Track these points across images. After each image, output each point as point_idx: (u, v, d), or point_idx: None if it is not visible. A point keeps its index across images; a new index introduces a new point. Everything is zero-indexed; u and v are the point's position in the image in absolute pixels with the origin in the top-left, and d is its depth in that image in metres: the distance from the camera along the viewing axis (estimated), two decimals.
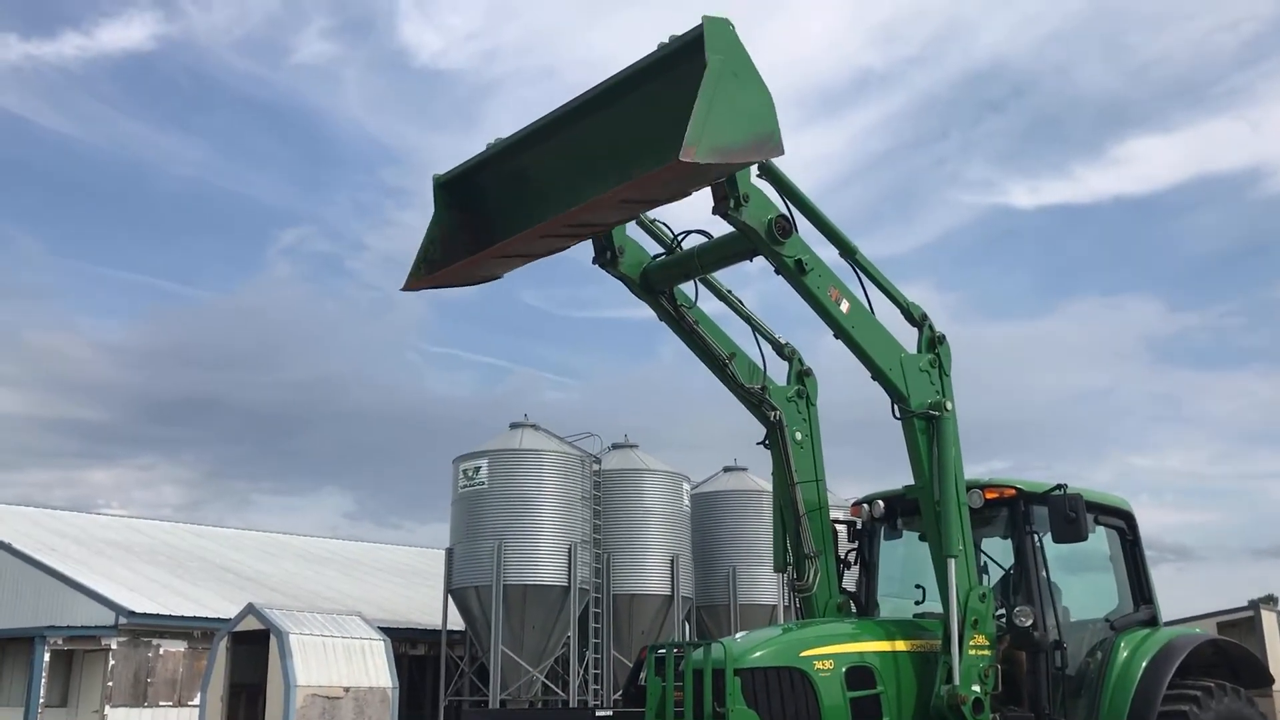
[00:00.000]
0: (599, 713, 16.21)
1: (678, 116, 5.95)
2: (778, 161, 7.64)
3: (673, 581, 24.68)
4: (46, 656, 22.47)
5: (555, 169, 7.39)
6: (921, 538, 8.68)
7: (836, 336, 7.89)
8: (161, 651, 22.25)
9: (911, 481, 8.36)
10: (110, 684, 21.50)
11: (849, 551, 9.52)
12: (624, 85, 6.73)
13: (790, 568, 8.91)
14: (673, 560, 24.78)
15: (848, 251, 8.09)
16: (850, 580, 9.43)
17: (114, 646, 21.60)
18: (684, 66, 6.24)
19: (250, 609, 19.80)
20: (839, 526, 9.37)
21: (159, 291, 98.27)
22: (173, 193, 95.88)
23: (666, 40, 6.45)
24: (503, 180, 7.71)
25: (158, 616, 22.24)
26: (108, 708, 21.40)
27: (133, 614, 21.71)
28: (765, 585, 25.08)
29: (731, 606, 25.52)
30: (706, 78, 5.97)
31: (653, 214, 8.40)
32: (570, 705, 22.71)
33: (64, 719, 23.01)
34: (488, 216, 7.78)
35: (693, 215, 8.24)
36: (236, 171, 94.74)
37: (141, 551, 28.74)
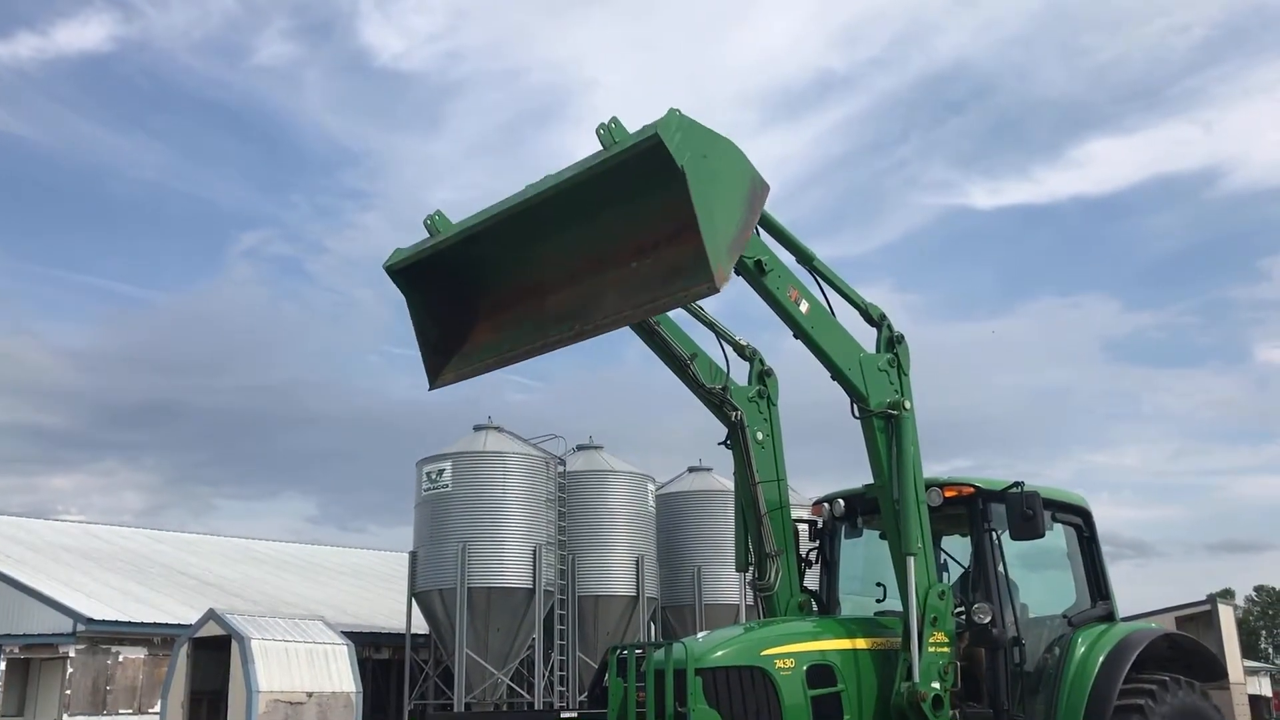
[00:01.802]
0: (564, 715, 16.16)
1: (664, 200, 6.13)
2: None
3: (638, 582, 24.70)
4: (3, 665, 22.18)
5: (528, 262, 7.35)
6: (882, 536, 8.72)
7: (796, 337, 7.91)
8: (121, 659, 21.99)
9: (872, 480, 8.41)
10: (68, 692, 21.22)
11: (810, 550, 9.56)
12: (591, 179, 6.55)
13: (752, 567, 8.95)
14: (638, 561, 24.81)
15: (805, 259, 8.12)
16: (812, 579, 9.47)
17: (72, 654, 21.32)
18: (647, 152, 6.17)
19: (211, 614, 19.62)
20: (800, 525, 9.41)
21: (118, 295, 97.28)
22: (131, 195, 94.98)
23: (608, 124, 6.32)
24: (461, 259, 7.58)
25: (117, 623, 21.98)
26: (66, 716, 21.12)
27: (91, 621, 21.44)
28: (731, 585, 25.16)
29: (697, 606, 25.59)
30: (692, 189, 6.00)
31: None
32: (536, 708, 22.67)
33: None
34: (460, 288, 7.67)
35: None
36: (196, 174, 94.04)
37: (100, 558, 28.40)
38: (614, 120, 6.33)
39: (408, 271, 7.58)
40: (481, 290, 7.73)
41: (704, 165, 6.16)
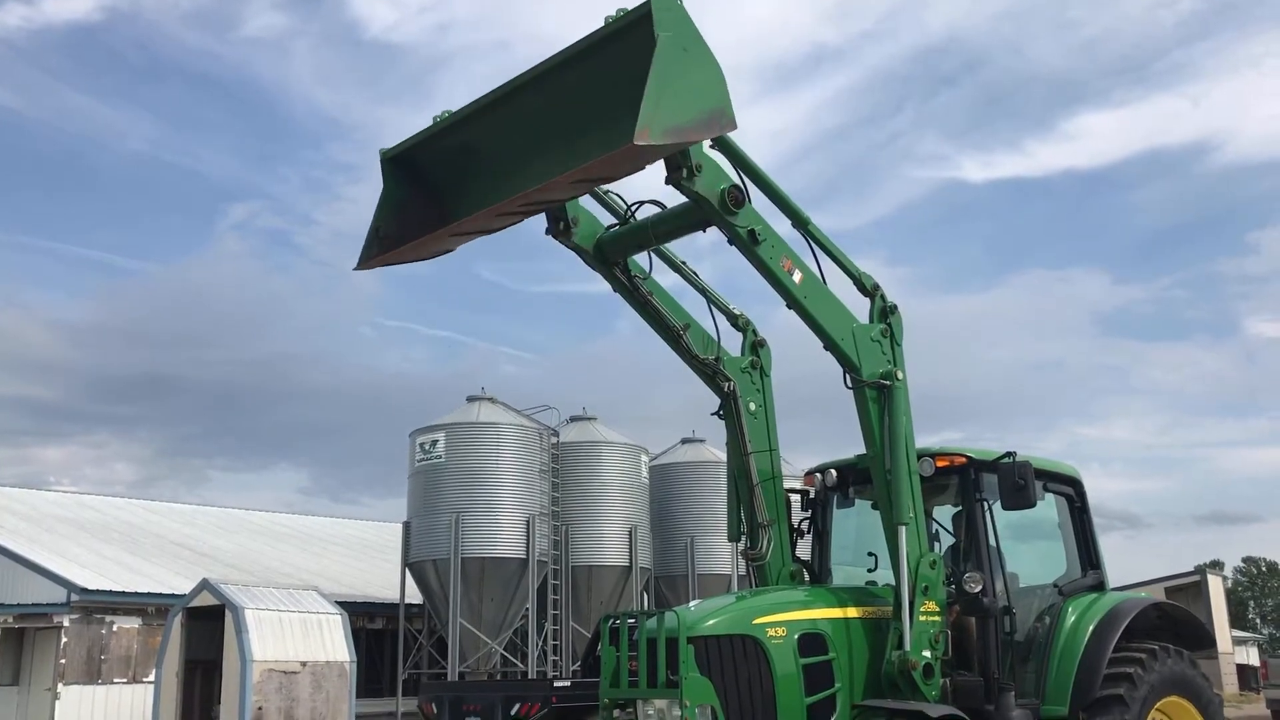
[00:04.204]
0: (557, 684, 16.24)
1: (628, 95, 5.90)
2: (731, 133, 7.64)
3: (631, 552, 24.79)
4: None
5: (505, 144, 7.33)
6: (874, 506, 8.75)
7: (789, 307, 7.91)
8: (115, 628, 22.03)
9: (864, 451, 8.42)
10: (63, 661, 21.27)
11: (802, 520, 9.59)
12: (573, 61, 6.65)
13: (744, 537, 8.97)
14: (631, 531, 24.89)
15: (800, 222, 8.10)
16: (804, 549, 9.51)
17: (66, 624, 21.35)
18: (632, 42, 6.18)
19: (205, 584, 19.63)
20: (792, 495, 9.43)
21: (109, 267, 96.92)
22: (121, 167, 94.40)
23: (614, 14, 6.39)
24: (451, 154, 7.64)
25: (111, 593, 22.01)
26: (60, 685, 21.18)
27: (85, 591, 21.46)
28: (723, 555, 25.27)
29: (690, 576, 25.70)
30: (656, 56, 5.91)
31: (606, 185, 8.39)
32: (529, 677, 22.79)
33: (16, 697, 22.77)
34: (437, 190, 7.70)
35: (646, 185, 8.22)
36: (186, 145, 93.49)
37: (94, 528, 28.40)
38: (620, 10, 6.34)
39: (398, 161, 7.64)
40: (449, 212, 7.73)
41: (680, 56, 6.04)
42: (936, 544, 8.80)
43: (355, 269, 7.71)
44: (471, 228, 7.41)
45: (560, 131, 6.93)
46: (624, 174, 6.70)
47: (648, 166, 6.84)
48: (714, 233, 7.93)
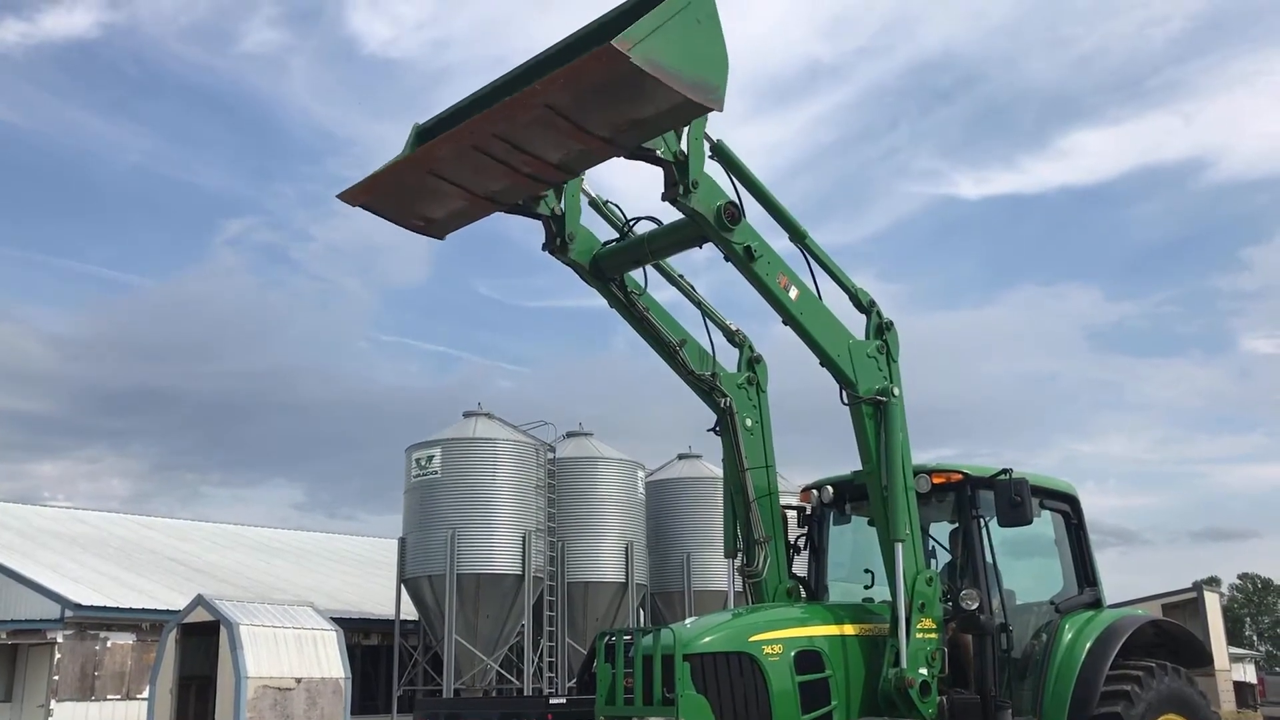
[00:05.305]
0: (553, 701, 16.17)
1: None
2: (732, 143, 7.66)
3: (627, 568, 24.73)
4: None
5: None
6: (870, 523, 8.74)
7: (785, 323, 7.91)
8: (109, 644, 21.93)
9: (860, 467, 8.41)
10: (56, 677, 21.17)
11: (799, 537, 9.57)
12: (589, 38, 6.55)
13: (740, 553, 8.95)
14: (627, 547, 24.83)
15: (798, 236, 8.12)
16: (800, 565, 9.49)
17: (60, 640, 21.26)
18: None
19: (199, 600, 19.55)
20: (789, 512, 9.41)
21: (103, 281, 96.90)
22: (116, 181, 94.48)
23: None
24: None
25: (105, 609, 21.92)
26: (54, 702, 21.07)
27: (79, 606, 21.38)
28: (720, 571, 25.17)
29: (686, 593, 25.63)
30: (664, 5, 5.77)
31: (605, 196, 8.40)
32: (525, 694, 22.69)
33: (8, 714, 22.67)
34: None
35: (643, 201, 8.23)
36: (181, 160, 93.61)
37: (88, 543, 28.31)
38: None
39: (426, 137, 7.50)
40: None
41: (691, 21, 5.87)
42: (933, 561, 8.79)
43: (337, 195, 7.48)
44: (445, 159, 6.95)
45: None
46: (597, 111, 6.18)
47: (630, 140, 6.58)
48: (710, 248, 7.94)
